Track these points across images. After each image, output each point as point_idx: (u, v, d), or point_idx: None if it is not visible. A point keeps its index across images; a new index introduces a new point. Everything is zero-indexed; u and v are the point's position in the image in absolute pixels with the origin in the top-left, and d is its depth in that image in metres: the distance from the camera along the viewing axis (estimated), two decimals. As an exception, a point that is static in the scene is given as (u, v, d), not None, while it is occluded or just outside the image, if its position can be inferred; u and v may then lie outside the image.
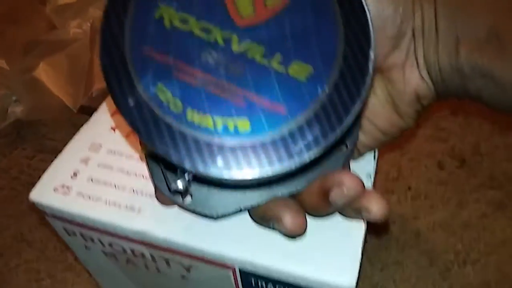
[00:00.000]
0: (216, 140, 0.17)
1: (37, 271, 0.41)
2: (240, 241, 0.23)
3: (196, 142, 0.17)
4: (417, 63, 0.21)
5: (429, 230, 0.43)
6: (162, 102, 0.17)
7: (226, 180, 0.17)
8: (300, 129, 0.17)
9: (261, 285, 0.24)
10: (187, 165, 0.17)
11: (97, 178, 0.26)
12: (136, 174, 0.26)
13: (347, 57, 0.17)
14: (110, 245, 0.26)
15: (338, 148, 0.22)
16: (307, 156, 0.17)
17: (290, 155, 0.16)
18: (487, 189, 0.46)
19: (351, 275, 0.21)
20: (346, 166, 0.23)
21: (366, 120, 0.23)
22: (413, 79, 0.21)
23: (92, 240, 0.27)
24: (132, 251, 0.26)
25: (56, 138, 0.54)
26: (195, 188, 0.22)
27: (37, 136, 0.53)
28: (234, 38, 0.18)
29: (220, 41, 0.18)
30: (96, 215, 0.24)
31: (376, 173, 0.27)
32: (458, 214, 0.44)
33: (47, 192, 0.25)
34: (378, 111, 0.23)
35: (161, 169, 0.22)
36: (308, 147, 0.17)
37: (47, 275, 0.41)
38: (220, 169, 0.17)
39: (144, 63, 0.18)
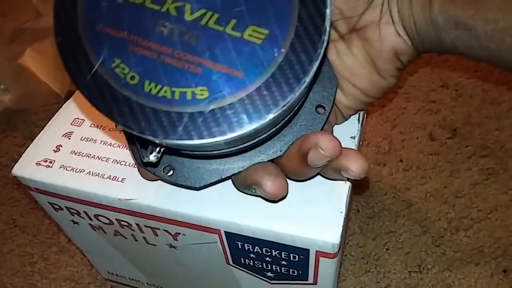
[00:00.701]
0: (174, 108, 0.17)
1: (31, 254, 0.41)
2: (224, 203, 0.23)
3: (155, 112, 0.17)
4: (392, 19, 0.20)
5: (421, 199, 0.43)
6: (119, 76, 0.17)
7: (186, 145, 0.17)
8: (259, 91, 0.17)
9: (248, 248, 0.23)
10: (148, 135, 0.17)
11: (80, 151, 0.26)
12: (119, 146, 0.26)
13: (303, 17, 0.17)
14: (97, 217, 0.26)
15: (316, 111, 0.22)
16: (267, 118, 0.16)
17: (249, 118, 0.16)
18: (479, 157, 0.46)
19: (335, 231, 0.21)
20: (325, 128, 0.23)
21: (346, 82, 0.23)
22: (389, 36, 0.21)
23: (79, 213, 0.26)
24: (119, 222, 0.26)
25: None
26: (176, 161, 0.22)
27: (27, 124, 0.53)
28: (187, 7, 0.18)
29: (172, 11, 0.18)
30: (79, 186, 0.24)
31: (361, 136, 0.27)
32: (450, 183, 0.44)
33: (30, 166, 0.25)
34: (358, 71, 0.22)
35: (136, 144, 0.22)
36: (267, 109, 0.16)
37: (40, 258, 0.41)
38: (180, 136, 0.17)
39: (99, 39, 0.18)
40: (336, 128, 0.25)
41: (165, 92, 0.17)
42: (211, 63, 0.17)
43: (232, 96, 0.17)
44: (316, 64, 0.17)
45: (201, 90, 0.17)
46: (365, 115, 0.33)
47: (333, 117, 0.24)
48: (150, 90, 0.17)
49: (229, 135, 0.16)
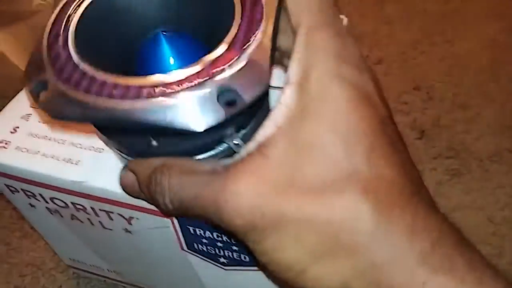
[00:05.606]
0: None
1: (-7, 240, 0.41)
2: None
3: None
4: None
5: (386, 197, 0.43)
6: None
7: None
8: None
9: (200, 233, 0.24)
10: None
11: (37, 133, 0.26)
12: (77, 129, 0.26)
13: None
14: (52, 200, 0.26)
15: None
16: None
17: None
18: (444, 158, 0.47)
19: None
20: None
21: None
22: None
23: (34, 196, 0.26)
24: (74, 205, 0.26)
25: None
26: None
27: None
28: None
29: None
30: (33, 167, 0.24)
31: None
32: (415, 182, 0.45)
33: (-15, 146, 0.25)
34: None
35: None
36: None
37: (2, 243, 0.40)
38: None
39: None
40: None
41: None
42: None
43: None
44: None
45: None
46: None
47: None
48: None
49: None
